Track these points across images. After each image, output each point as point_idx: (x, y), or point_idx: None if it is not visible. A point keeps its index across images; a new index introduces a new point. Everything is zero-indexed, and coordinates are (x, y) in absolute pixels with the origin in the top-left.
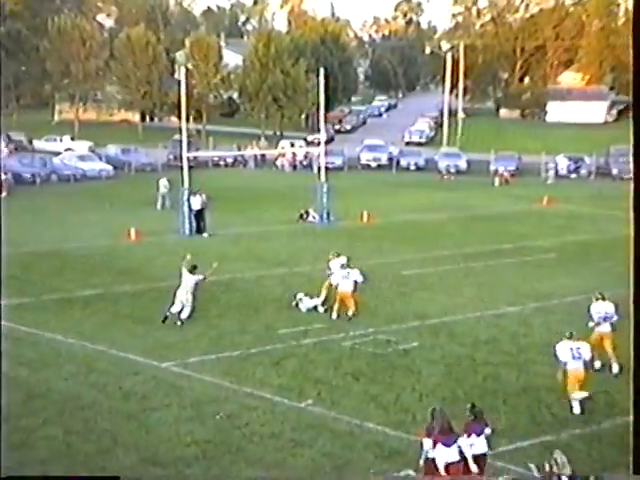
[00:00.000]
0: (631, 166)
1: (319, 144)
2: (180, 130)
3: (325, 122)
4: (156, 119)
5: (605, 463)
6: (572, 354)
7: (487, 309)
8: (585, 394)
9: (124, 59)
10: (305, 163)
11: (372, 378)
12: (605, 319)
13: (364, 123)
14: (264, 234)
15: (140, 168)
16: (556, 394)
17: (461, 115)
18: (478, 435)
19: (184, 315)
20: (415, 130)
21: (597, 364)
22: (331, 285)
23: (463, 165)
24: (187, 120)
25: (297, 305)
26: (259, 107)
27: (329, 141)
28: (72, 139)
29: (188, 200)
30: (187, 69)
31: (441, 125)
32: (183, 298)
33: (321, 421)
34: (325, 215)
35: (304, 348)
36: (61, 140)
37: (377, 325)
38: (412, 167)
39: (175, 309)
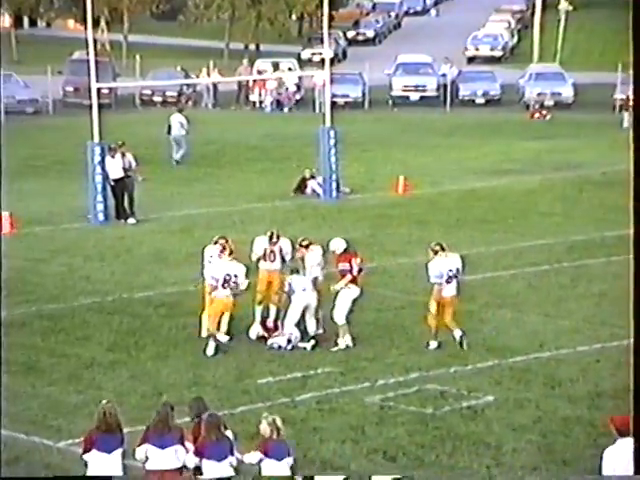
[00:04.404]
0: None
1: (322, 64)
2: (85, 43)
3: (331, 26)
4: (41, 23)
5: None
6: None
7: (613, 338)
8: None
9: None
10: (298, 97)
11: (419, 457)
12: (449, 279)
13: (397, 27)
14: (230, 218)
15: (15, 108)
16: None
17: (565, 6)
18: (279, 459)
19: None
20: (485, 36)
21: (433, 344)
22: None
23: (568, 93)
24: (95, 25)
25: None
26: (219, 2)
27: (339, 59)
28: None
29: (101, 163)
30: None
31: (530, 26)
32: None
33: None
34: (332, 184)
35: (302, 408)
36: None
37: (425, 367)
38: (479, 99)
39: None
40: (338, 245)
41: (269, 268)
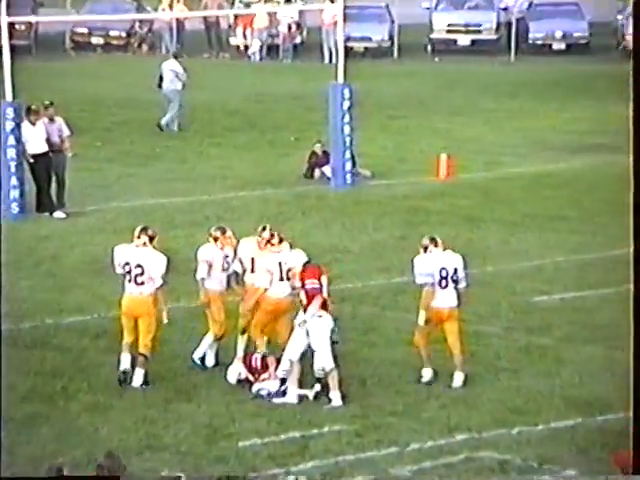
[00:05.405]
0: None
1: None
2: None
3: None
4: None
5: None
6: None
7: None
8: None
9: None
10: (299, 40)
11: None
12: (443, 282)
13: None
14: (202, 212)
15: None
16: None
17: None
18: None
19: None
20: None
21: (427, 373)
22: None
23: None
24: None
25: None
26: None
27: None
28: None
29: (16, 132)
30: None
31: None
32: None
33: None
34: (346, 164)
35: None
36: None
37: (476, 425)
38: (558, 44)
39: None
40: (297, 259)
41: None
